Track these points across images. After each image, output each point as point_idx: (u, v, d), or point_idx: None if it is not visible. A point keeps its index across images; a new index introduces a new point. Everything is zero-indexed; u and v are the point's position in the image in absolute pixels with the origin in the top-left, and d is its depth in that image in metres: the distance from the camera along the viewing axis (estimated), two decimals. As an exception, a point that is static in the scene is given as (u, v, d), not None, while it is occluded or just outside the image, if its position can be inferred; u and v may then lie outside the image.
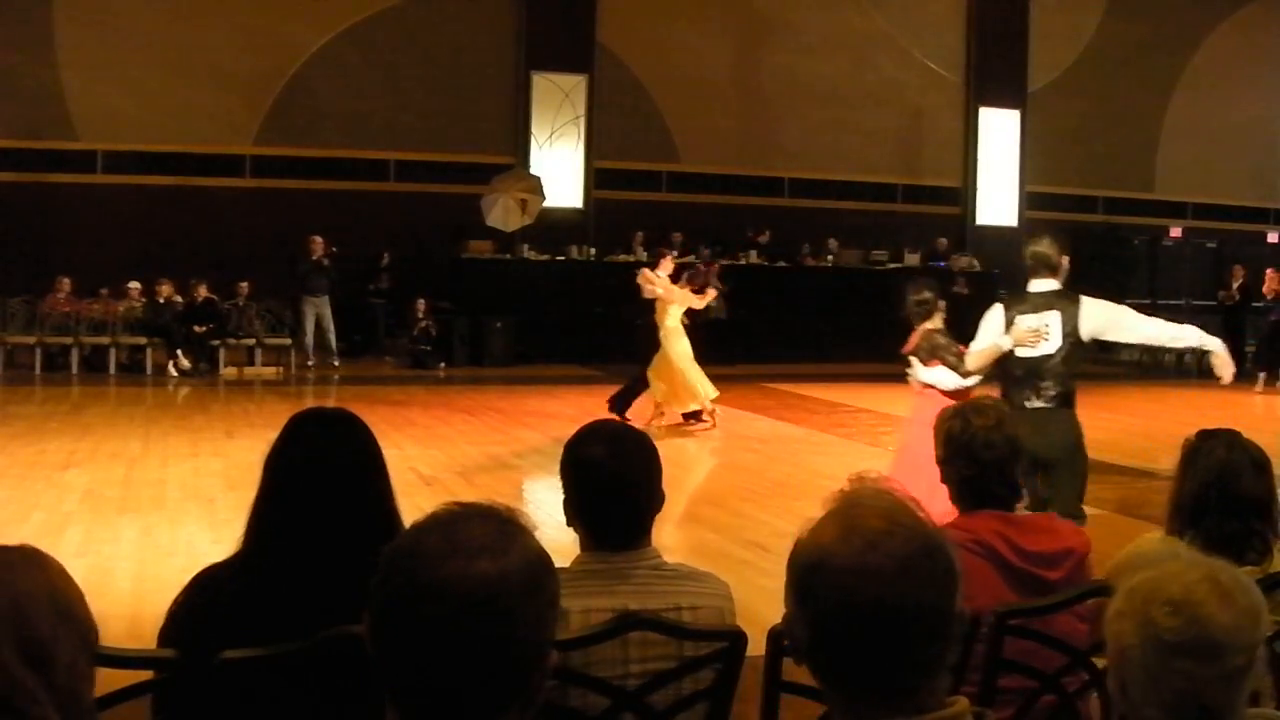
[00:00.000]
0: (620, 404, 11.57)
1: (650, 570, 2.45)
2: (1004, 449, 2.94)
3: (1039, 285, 5.60)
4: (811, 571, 1.40)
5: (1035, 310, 5.54)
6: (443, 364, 17.09)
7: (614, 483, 2.43)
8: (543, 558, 1.38)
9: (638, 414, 11.14)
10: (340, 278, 17.09)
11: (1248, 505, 2.86)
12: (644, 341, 11.58)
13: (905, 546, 1.37)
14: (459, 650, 1.29)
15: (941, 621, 1.38)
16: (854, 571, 1.37)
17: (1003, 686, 2.65)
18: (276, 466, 2.35)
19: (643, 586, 2.41)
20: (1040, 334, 5.45)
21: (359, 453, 2.37)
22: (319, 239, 16.86)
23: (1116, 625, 1.65)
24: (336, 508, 2.25)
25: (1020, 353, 5.53)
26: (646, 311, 11.55)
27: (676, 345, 11.40)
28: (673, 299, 11.48)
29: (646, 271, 11.76)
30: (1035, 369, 5.48)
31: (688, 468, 9.65)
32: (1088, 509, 8.02)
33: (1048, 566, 2.81)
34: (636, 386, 11.67)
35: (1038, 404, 5.47)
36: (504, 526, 1.37)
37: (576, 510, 2.46)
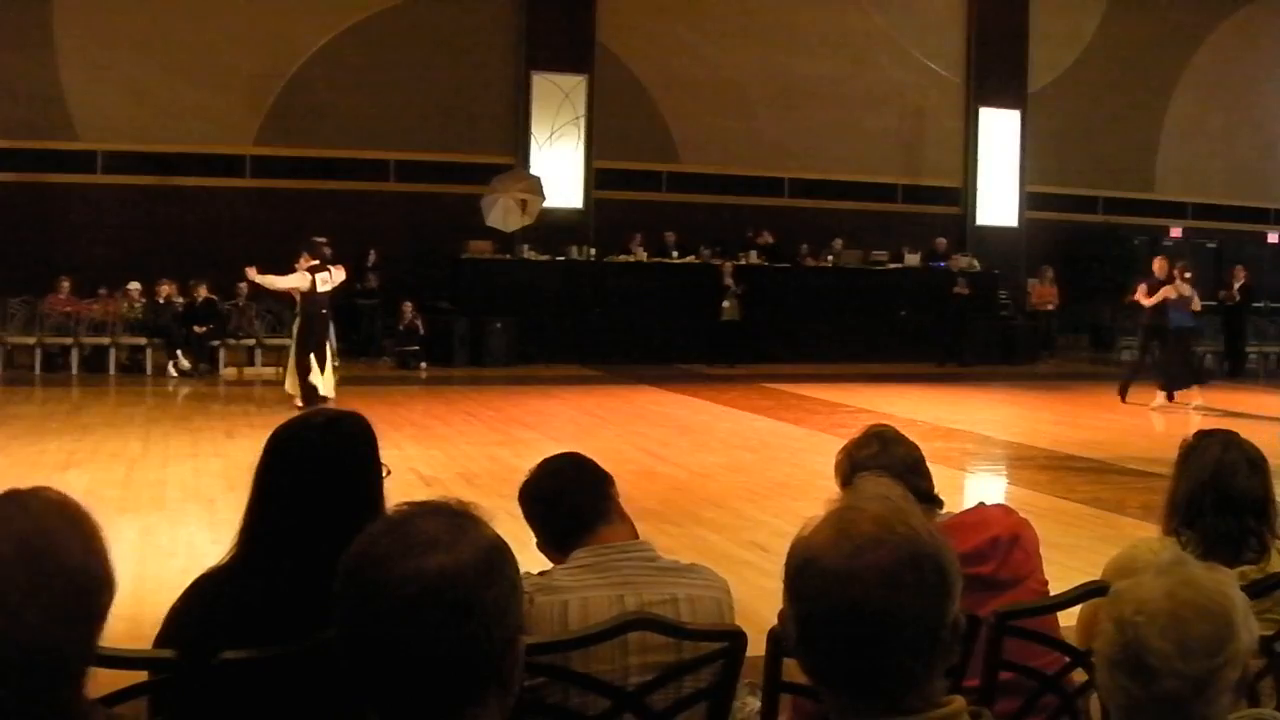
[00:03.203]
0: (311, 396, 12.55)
1: (644, 562, 2.49)
2: (916, 450, 3.04)
3: None
4: (800, 570, 1.42)
5: None
6: (423, 364, 17.11)
7: (549, 491, 2.61)
8: (498, 546, 1.38)
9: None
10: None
11: (1243, 504, 2.85)
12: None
13: (892, 555, 1.37)
14: (422, 645, 1.30)
15: (926, 631, 1.38)
16: (839, 575, 1.37)
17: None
18: (265, 472, 2.35)
19: (638, 578, 2.45)
20: None
21: (348, 454, 2.37)
22: (319, 238, 16.83)
23: (1098, 629, 1.66)
24: (327, 509, 2.25)
25: None
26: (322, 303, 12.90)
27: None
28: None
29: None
30: None
31: (688, 467, 9.65)
32: (1087, 509, 8.06)
33: (978, 563, 2.79)
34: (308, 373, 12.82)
35: None
36: (455, 520, 1.38)
37: (540, 532, 2.63)
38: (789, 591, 1.44)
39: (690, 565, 2.58)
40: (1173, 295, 14.05)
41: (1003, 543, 2.87)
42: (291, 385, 12.95)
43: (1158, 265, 14.60)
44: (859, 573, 1.37)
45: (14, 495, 1.40)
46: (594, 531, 2.52)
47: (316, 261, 13.04)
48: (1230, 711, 1.60)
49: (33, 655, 1.33)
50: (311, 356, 12.84)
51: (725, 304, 18.30)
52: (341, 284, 13.49)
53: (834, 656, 1.40)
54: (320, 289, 12.97)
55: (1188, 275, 14.35)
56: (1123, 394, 14.31)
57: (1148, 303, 14.18)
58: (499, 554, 1.38)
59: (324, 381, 12.86)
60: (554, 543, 2.59)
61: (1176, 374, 14.05)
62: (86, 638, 1.39)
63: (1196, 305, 14.35)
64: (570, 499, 2.57)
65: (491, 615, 1.33)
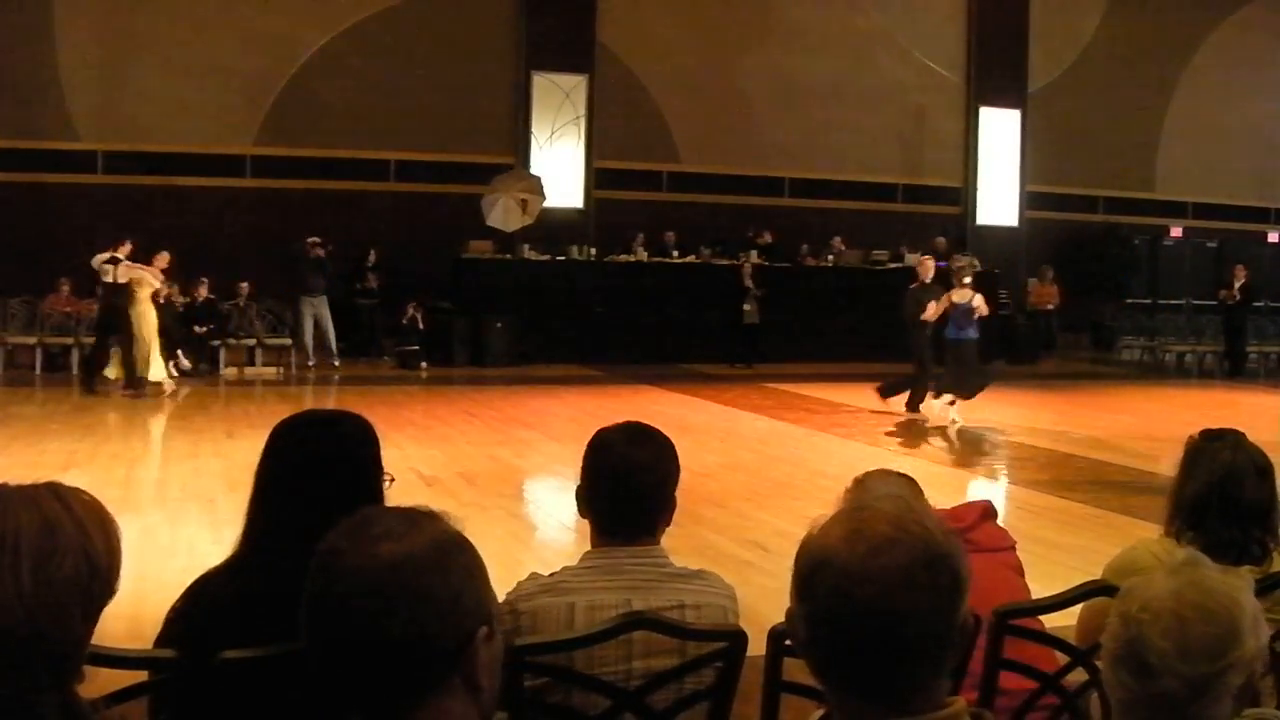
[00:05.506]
0: (134, 379, 13.44)
1: (655, 568, 2.48)
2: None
3: None
4: (813, 570, 1.41)
5: None
6: (423, 364, 17.11)
7: (621, 470, 2.48)
8: (454, 540, 1.42)
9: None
10: (335, 278, 17.12)
11: (1248, 512, 2.83)
12: (125, 318, 13.67)
13: (907, 555, 1.38)
14: (373, 630, 1.34)
15: (937, 631, 1.38)
16: (854, 575, 1.37)
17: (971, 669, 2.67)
18: (265, 469, 2.35)
19: (647, 583, 2.44)
20: None
21: (345, 454, 2.36)
22: (314, 239, 16.89)
23: (1107, 622, 1.66)
24: (324, 509, 2.24)
25: None
26: (121, 294, 13.60)
27: (150, 318, 13.76)
28: (146, 279, 13.93)
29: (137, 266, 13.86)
30: None
31: (687, 467, 9.66)
32: (1087, 509, 8.05)
33: (953, 521, 2.94)
34: (132, 357, 13.58)
35: None
36: (411, 515, 1.43)
37: (586, 496, 2.52)
38: (799, 591, 1.43)
39: (698, 571, 2.56)
40: (952, 301, 12.33)
41: (975, 508, 3.11)
42: (113, 370, 13.69)
43: (925, 267, 13.12)
44: (874, 574, 1.37)
45: (54, 487, 1.46)
46: (635, 541, 2.48)
47: (120, 254, 13.61)
48: (1232, 716, 1.60)
49: (37, 648, 1.34)
50: (112, 342, 13.46)
51: (746, 307, 18.03)
52: (156, 289, 14.03)
53: (844, 657, 1.40)
54: (103, 279, 13.60)
55: (966, 281, 12.48)
56: (891, 394, 12.79)
57: (929, 317, 12.41)
58: (454, 546, 1.41)
59: (153, 367, 13.53)
60: (592, 519, 2.54)
61: (962, 384, 12.41)
62: (84, 636, 1.42)
63: (983, 309, 12.29)
64: (629, 506, 2.49)
65: (443, 603, 1.36)
